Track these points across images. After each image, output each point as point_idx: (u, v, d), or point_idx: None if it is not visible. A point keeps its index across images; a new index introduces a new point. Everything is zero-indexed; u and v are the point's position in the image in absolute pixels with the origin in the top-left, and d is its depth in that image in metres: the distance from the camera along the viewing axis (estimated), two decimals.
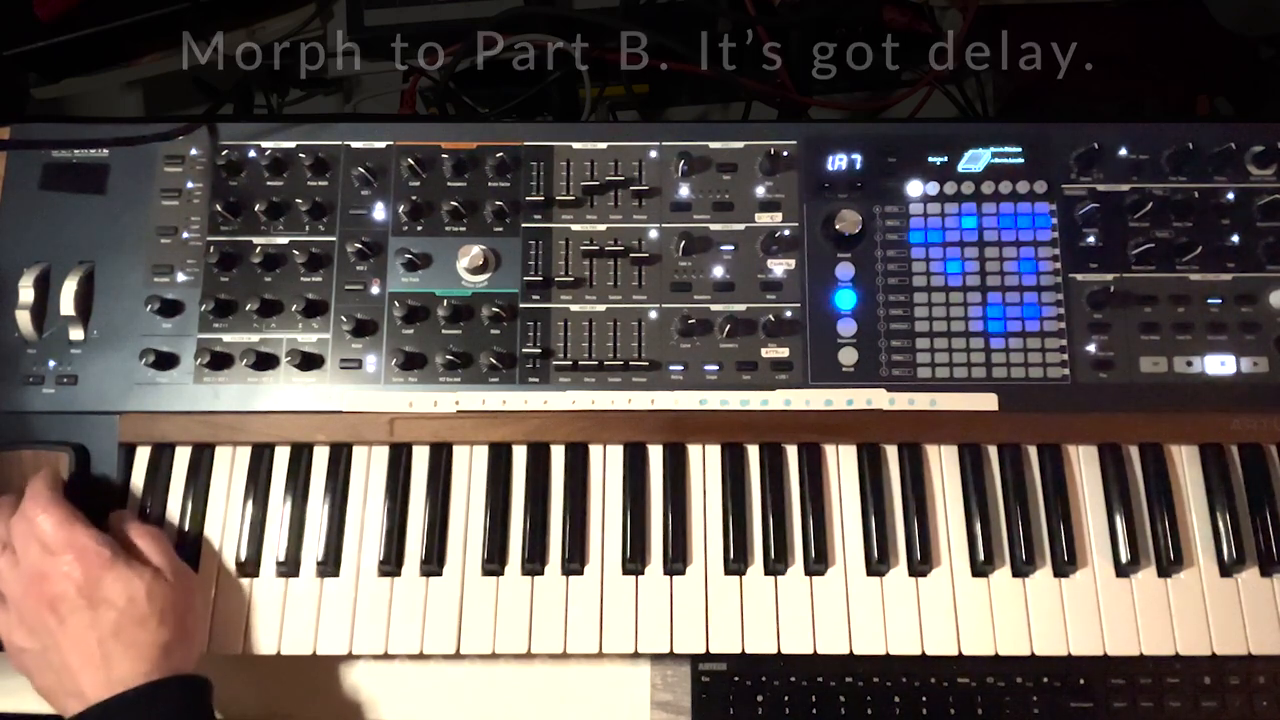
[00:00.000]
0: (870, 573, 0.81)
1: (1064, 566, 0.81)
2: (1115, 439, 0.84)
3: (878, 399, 0.84)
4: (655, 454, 0.85)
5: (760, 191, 0.88)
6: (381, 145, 0.89)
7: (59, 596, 0.71)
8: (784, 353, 0.85)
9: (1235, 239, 0.86)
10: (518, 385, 0.84)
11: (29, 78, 1.09)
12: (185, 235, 0.87)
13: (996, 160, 0.88)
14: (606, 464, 0.84)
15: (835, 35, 1.17)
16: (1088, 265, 0.86)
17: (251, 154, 0.88)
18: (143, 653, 0.71)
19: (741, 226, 0.88)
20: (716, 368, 0.85)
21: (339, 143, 0.89)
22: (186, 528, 0.82)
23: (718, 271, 0.87)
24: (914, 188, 0.88)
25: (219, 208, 0.86)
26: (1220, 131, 0.88)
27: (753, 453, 0.85)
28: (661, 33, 0.99)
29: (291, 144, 0.89)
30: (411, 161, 0.87)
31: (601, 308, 0.86)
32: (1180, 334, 0.85)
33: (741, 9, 1.04)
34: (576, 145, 0.89)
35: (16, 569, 0.74)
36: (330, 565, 0.81)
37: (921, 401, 0.84)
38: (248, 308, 0.85)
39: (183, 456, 0.84)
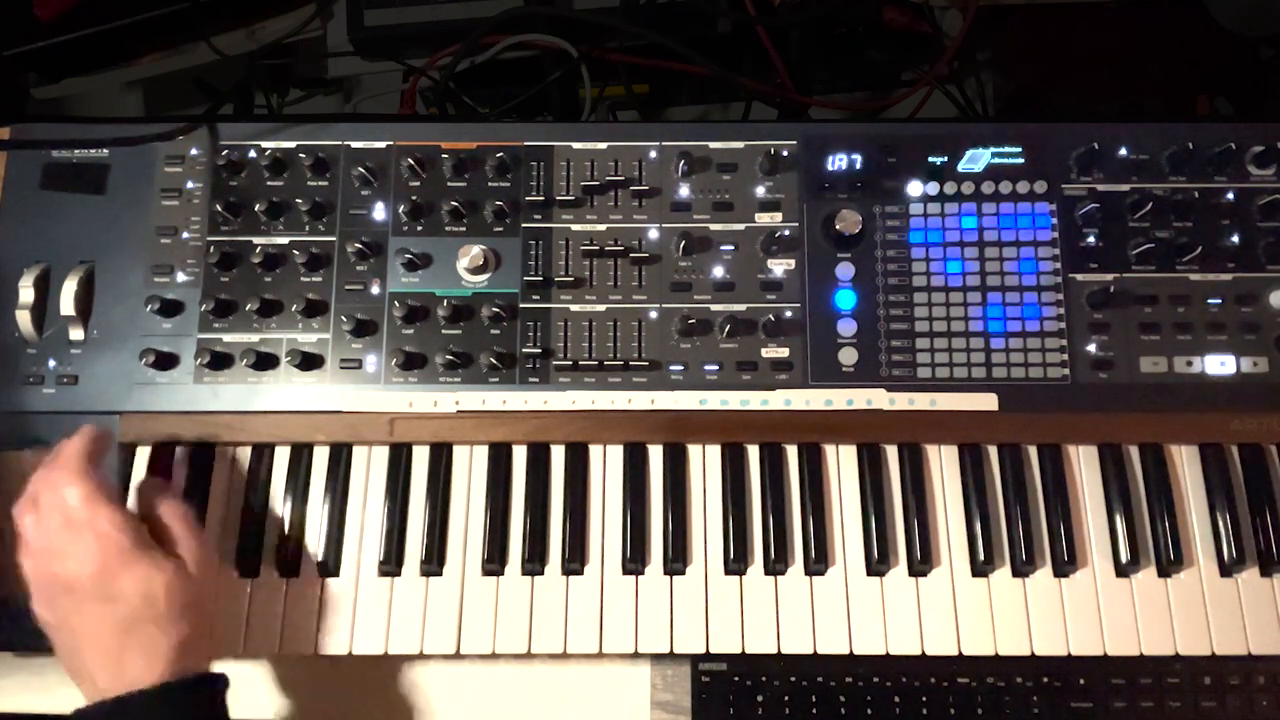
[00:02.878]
0: (870, 573, 0.81)
1: (1064, 566, 0.81)
2: (1115, 439, 0.84)
3: (878, 399, 0.84)
4: (655, 454, 0.85)
5: (760, 191, 0.88)
6: (381, 145, 0.89)
7: (73, 581, 0.68)
8: (784, 353, 0.85)
9: (1235, 239, 0.86)
10: (518, 385, 0.84)
11: (29, 78, 1.09)
12: (185, 235, 0.87)
13: (996, 160, 0.88)
14: (606, 464, 0.84)
15: (835, 35, 1.17)
16: (1088, 265, 0.86)
17: (251, 154, 0.88)
18: (157, 652, 0.68)
19: (741, 226, 0.88)
20: (716, 368, 0.85)
21: (339, 143, 0.89)
22: None
23: (718, 271, 0.87)
24: (914, 188, 0.88)
25: (219, 208, 0.86)
26: (1220, 131, 0.88)
27: (753, 453, 0.85)
28: (661, 33, 0.99)
29: (291, 144, 0.89)
30: (411, 161, 0.87)
31: (601, 308, 0.86)
32: (1180, 334, 0.85)
33: (741, 9, 1.04)
34: (576, 145, 0.89)
35: (39, 529, 0.70)
36: (330, 565, 0.81)
37: (921, 401, 0.84)
38: (248, 308, 0.85)
39: (183, 457, 0.84)
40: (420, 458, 0.84)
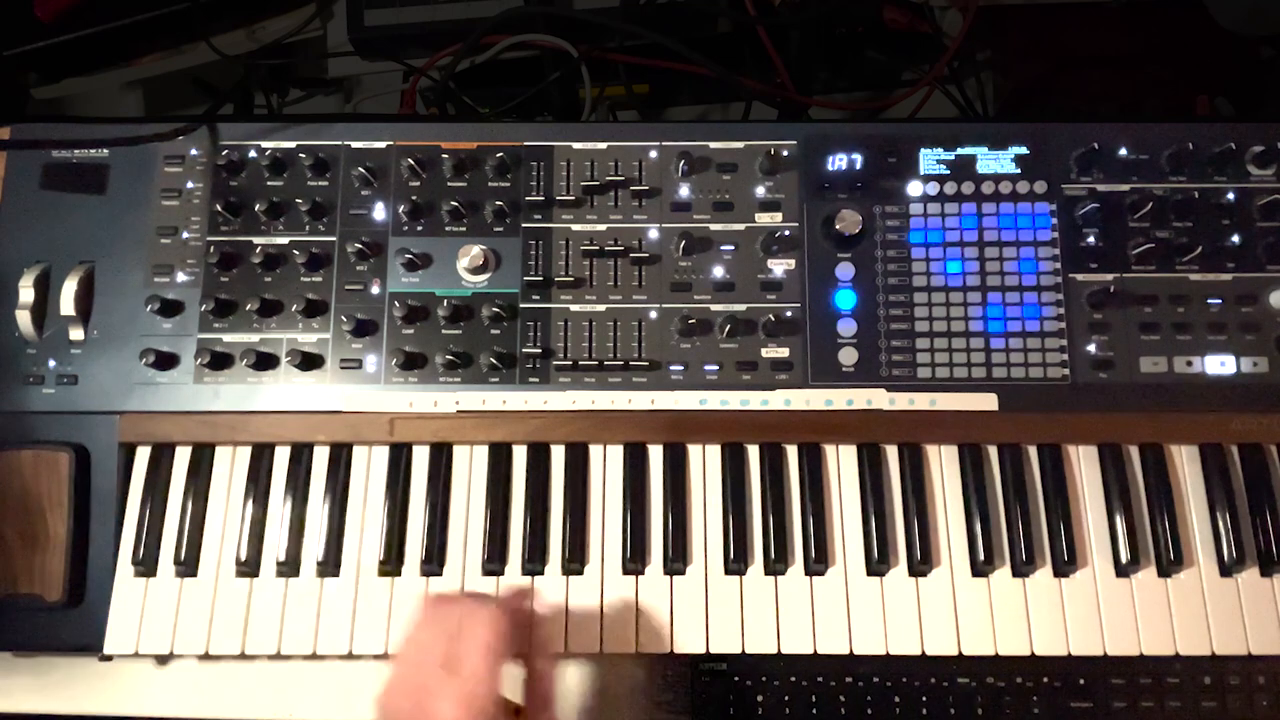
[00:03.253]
0: (870, 573, 0.81)
1: (1064, 566, 0.81)
2: (1115, 439, 0.84)
3: (878, 399, 0.84)
4: (655, 454, 0.85)
5: (760, 191, 0.88)
6: (381, 145, 0.89)
7: None
8: (784, 353, 0.85)
9: (1235, 239, 0.86)
10: (518, 385, 0.84)
11: (29, 78, 1.09)
12: (185, 235, 0.87)
13: (996, 160, 0.88)
14: (606, 464, 0.84)
15: (835, 35, 1.17)
16: (1088, 265, 0.86)
17: (251, 154, 0.88)
18: None
19: (741, 226, 0.88)
20: (716, 368, 0.85)
21: (339, 143, 0.89)
22: (186, 528, 0.82)
23: (718, 271, 0.87)
24: (914, 188, 0.88)
25: (219, 208, 0.86)
26: (1220, 131, 0.88)
27: (753, 453, 0.85)
28: (661, 33, 0.99)
29: (291, 144, 0.89)
30: (411, 161, 0.87)
31: (601, 308, 0.86)
32: (1180, 334, 0.85)
33: (741, 9, 1.04)
34: (576, 145, 0.89)
35: (425, 635, 0.66)
36: (330, 565, 0.81)
37: (921, 401, 0.84)
38: (248, 308, 0.85)
39: (183, 456, 0.84)
40: (420, 458, 0.84)
